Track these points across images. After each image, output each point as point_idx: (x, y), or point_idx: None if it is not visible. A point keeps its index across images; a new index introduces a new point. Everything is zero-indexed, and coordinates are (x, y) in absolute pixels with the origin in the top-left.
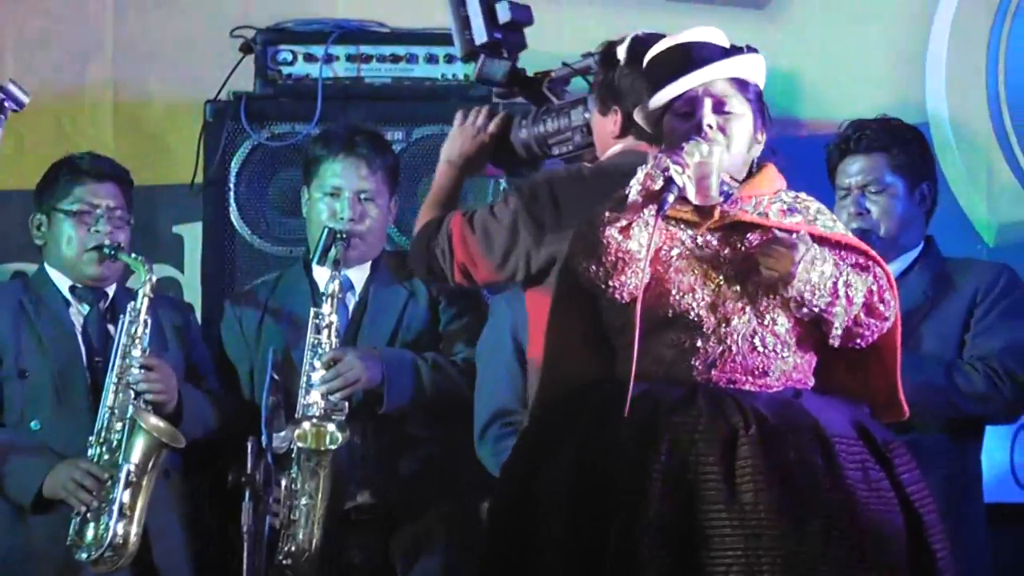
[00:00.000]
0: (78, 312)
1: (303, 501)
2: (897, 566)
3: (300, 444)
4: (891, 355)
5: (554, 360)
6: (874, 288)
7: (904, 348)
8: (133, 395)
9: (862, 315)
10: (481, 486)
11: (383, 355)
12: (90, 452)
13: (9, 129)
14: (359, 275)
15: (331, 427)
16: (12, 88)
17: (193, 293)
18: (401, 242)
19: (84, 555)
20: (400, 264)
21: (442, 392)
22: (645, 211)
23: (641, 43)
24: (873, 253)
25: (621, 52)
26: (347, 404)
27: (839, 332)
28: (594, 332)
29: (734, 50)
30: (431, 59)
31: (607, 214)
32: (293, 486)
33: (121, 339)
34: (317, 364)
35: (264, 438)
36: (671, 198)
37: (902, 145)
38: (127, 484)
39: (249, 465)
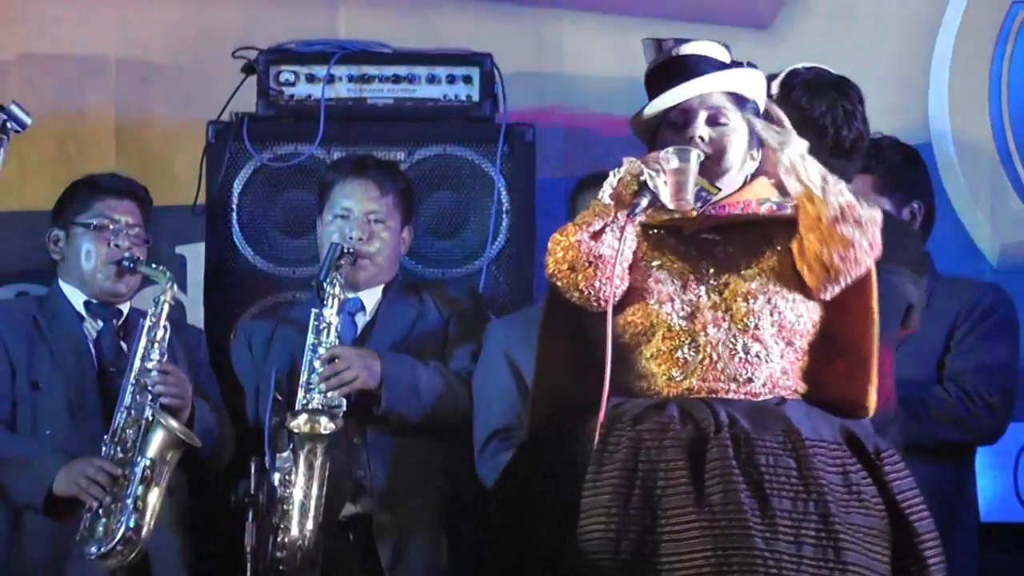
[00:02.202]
0: (92, 327)
1: (298, 493)
2: (876, 569)
3: (295, 431)
4: (868, 354)
5: (543, 377)
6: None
7: None
8: (150, 398)
9: (844, 210)
10: (477, 499)
11: (383, 356)
12: (104, 451)
13: (12, 150)
14: (370, 298)
15: (325, 419)
16: (15, 109)
17: (195, 314)
18: (403, 262)
19: (94, 549)
20: (412, 290)
21: (441, 398)
22: (619, 215)
23: (796, 76)
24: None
25: (775, 86)
26: (344, 402)
27: (829, 211)
28: (582, 349)
29: (734, 64)
30: (433, 79)
31: (579, 217)
32: (287, 477)
33: (141, 341)
34: (316, 364)
35: (267, 458)
36: (644, 203)
37: (889, 166)
38: (142, 479)
39: (252, 485)
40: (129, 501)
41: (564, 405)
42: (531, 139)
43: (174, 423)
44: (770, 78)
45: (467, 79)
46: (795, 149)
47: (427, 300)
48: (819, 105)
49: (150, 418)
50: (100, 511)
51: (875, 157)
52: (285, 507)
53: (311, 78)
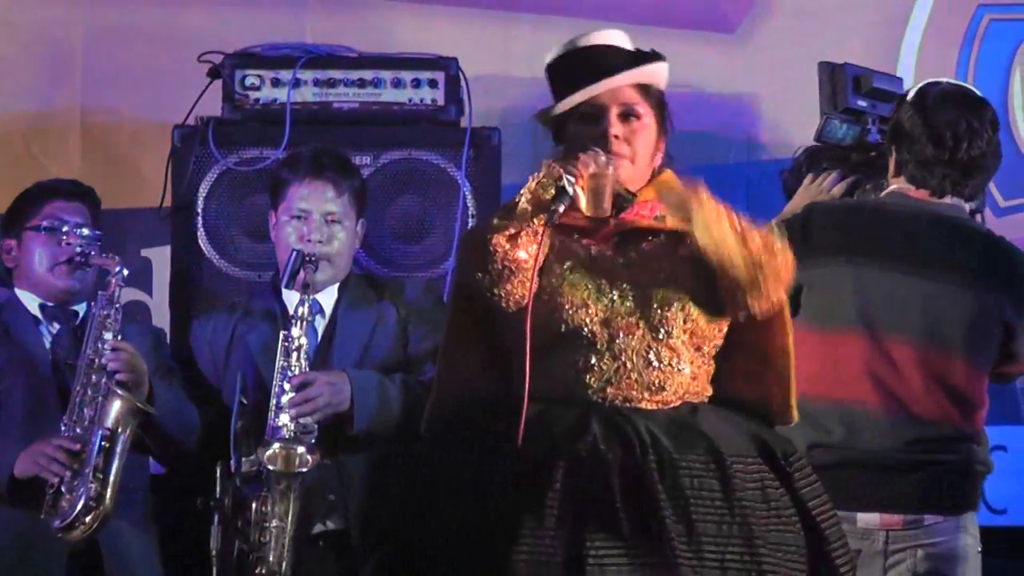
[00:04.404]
0: (48, 331)
1: (273, 523)
2: None
3: (270, 466)
4: (784, 361)
5: (446, 378)
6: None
7: None
8: (104, 377)
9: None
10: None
11: (351, 377)
12: (63, 430)
13: None
14: (327, 298)
15: (301, 449)
16: None
17: (161, 317)
18: (369, 266)
19: (57, 522)
20: (368, 287)
21: (410, 412)
22: (535, 220)
23: (935, 86)
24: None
25: (912, 93)
26: (316, 427)
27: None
28: (489, 350)
29: (640, 55)
30: (398, 84)
31: (496, 220)
32: (263, 508)
33: (93, 323)
34: (286, 387)
35: (233, 462)
36: (561, 209)
37: (853, 171)
38: (100, 449)
39: (218, 489)
40: (88, 471)
41: (464, 411)
42: (497, 143)
43: (129, 394)
44: (910, 89)
45: (432, 83)
46: (699, 221)
47: (385, 300)
48: (944, 115)
49: (105, 394)
50: (63, 487)
51: (840, 162)
52: (262, 538)
53: (277, 82)
